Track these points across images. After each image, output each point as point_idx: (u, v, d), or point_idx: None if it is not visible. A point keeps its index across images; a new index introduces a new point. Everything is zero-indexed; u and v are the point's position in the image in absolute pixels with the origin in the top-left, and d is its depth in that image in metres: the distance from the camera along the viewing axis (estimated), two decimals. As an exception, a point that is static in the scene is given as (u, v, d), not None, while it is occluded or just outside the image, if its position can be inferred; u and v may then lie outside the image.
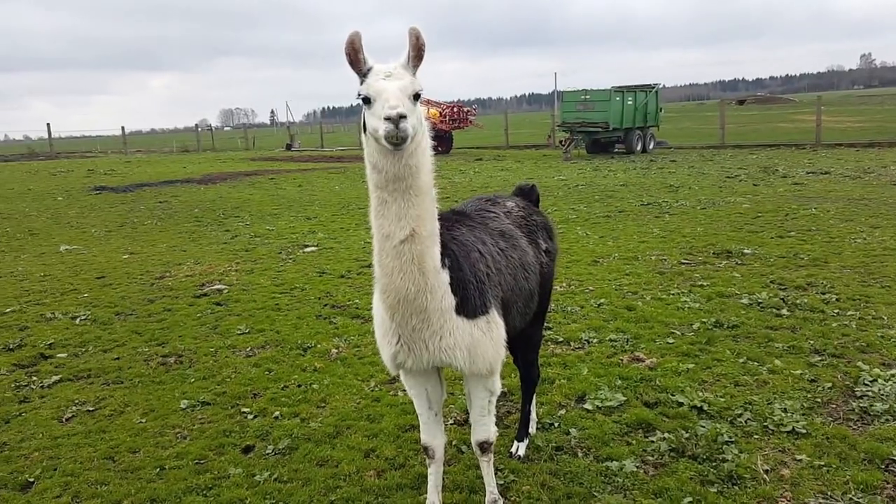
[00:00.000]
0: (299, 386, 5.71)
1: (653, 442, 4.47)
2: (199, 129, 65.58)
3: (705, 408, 4.89)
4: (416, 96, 2.79)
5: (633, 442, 4.52)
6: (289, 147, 47.07)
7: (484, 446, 3.64)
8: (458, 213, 3.81)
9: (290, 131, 55.83)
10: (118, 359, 6.56)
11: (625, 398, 5.09)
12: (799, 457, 4.24)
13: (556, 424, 4.81)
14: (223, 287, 9.01)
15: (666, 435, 4.53)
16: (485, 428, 3.59)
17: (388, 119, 2.61)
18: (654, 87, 31.68)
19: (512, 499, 3.95)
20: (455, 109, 35.99)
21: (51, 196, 21.12)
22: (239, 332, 7.14)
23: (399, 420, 4.96)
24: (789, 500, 3.81)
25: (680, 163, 24.50)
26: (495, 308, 3.32)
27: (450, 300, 3.10)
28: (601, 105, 28.87)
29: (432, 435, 3.63)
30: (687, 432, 4.54)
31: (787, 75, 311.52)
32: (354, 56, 2.77)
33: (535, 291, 3.93)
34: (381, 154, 2.79)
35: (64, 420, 5.29)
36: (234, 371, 6.11)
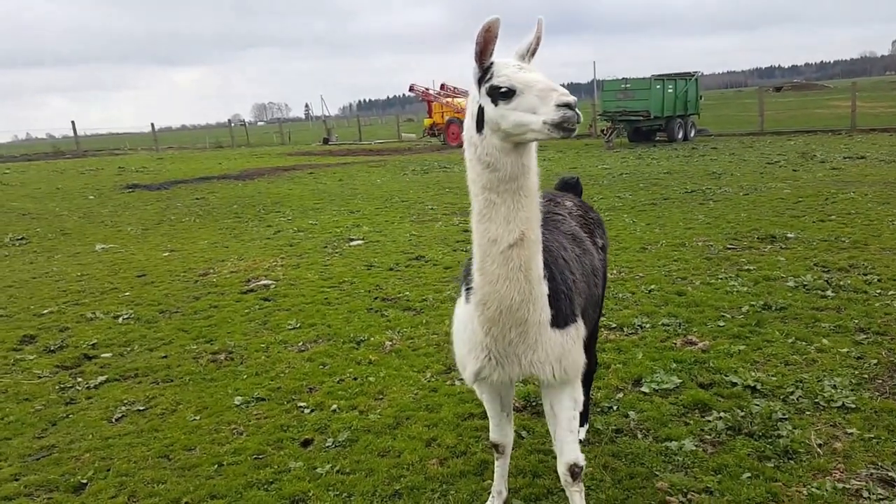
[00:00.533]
0: (355, 379, 5.68)
1: (709, 421, 4.55)
2: (233, 125, 65.73)
3: (758, 387, 4.95)
4: None
5: (691, 422, 4.59)
6: (326, 141, 47.44)
7: (575, 471, 3.26)
8: None
9: (326, 125, 56.21)
10: (166, 357, 6.48)
11: (680, 380, 5.15)
12: (850, 430, 4.34)
13: (615, 408, 4.88)
14: (270, 282, 8.99)
15: (722, 414, 4.60)
16: (573, 447, 3.24)
17: (566, 105, 2.49)
18: (693, 75, 31.38)
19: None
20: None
21: (81, 195, 21.13)
22: (290, 327, 7.11)
23: (458, 409, 4.98)
24: (842, 472, 3.90)
25: (721, 150, 24.25)
26: (580, 316, 3.19)
27: (547, 313, 2.94)
28: (642, 94, 28.63)
29: (503, 434, 3.58)
30: (742, 411, 4.61)
31: (822, 62, 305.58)
32: (486, 46, 2.61)
33: (602, 296, 3.89)
34: (501, 152, 2.66)
35: (114, 420, 5.22)
36: (287, 366, 6.03)
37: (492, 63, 2.65)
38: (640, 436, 4.48)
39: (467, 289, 2.98)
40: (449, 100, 36.67)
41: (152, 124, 54.59)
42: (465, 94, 40.64)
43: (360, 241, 11.67)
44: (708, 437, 4.38)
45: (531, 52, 2.75)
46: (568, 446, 3.23)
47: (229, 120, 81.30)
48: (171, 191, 21.40)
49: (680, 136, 29.90)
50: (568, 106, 2.48)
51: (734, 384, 5.01)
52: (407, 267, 9.60)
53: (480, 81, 2.67)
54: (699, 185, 15.47)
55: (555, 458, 3.37)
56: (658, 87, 28.85)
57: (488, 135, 2.67)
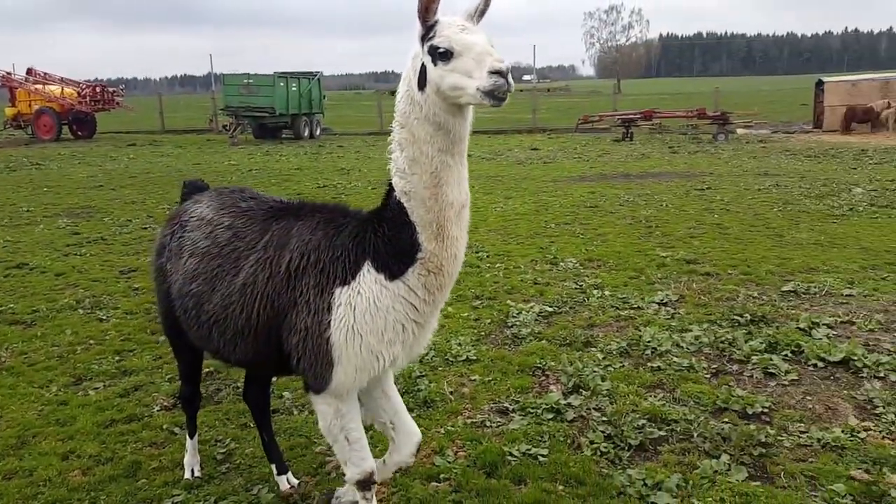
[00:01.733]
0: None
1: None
2: None
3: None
4: None
5: (341, 392, 5.00)
6: None
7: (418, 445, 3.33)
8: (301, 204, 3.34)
9: None
10: None
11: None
12: (473, 378, 5.26)
13: (272, 390, 5.04)
14: None
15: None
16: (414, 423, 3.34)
17: (498, 73, 2.44)
18: (315, 75, 32.58)
19: (236, 461, 4.18)
20: (97, 89, 32.84)
21: None
22: None
23: (96, 418, 4.70)
24: (470, 410, 4.74)
25: (347, 148, 25.75)
26: None
27: None
28: (266, 90, 28.85)
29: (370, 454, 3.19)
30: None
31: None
32: (429, 4, 2.57)
33: None
34: (449, 113, 2.62)
35: None
36: None
37: (436, 21, 2.59)
38: (296, 412, 4.76)
39: (392, 269, 2.82)
40: (39, 87, 32.14)
41: None
42: (58, 80, 34.98)
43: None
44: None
45: (479, 13, 2.69)
46: (412, 423, 3.31)
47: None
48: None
49: (306, 133, 30.85)
50: (500, 73, 2.44)
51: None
52: (7, 277, 8.45)
53: (423, 39, 2.61)
54: (330, 181, 16.34)
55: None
56: (282, 84, 29.40)
57: (431, 94, 2.62)
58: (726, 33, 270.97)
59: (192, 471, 3.94)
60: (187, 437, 3.99)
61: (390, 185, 2.84)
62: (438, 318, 3.11)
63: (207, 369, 5.35)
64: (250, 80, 29.32)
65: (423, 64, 2.62)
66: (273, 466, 3.84)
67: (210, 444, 4.32)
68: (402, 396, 4.67)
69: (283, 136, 31.33)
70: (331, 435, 3.05)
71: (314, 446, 4.27)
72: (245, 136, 30.35)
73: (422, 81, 2.63)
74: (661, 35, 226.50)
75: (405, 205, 2.77)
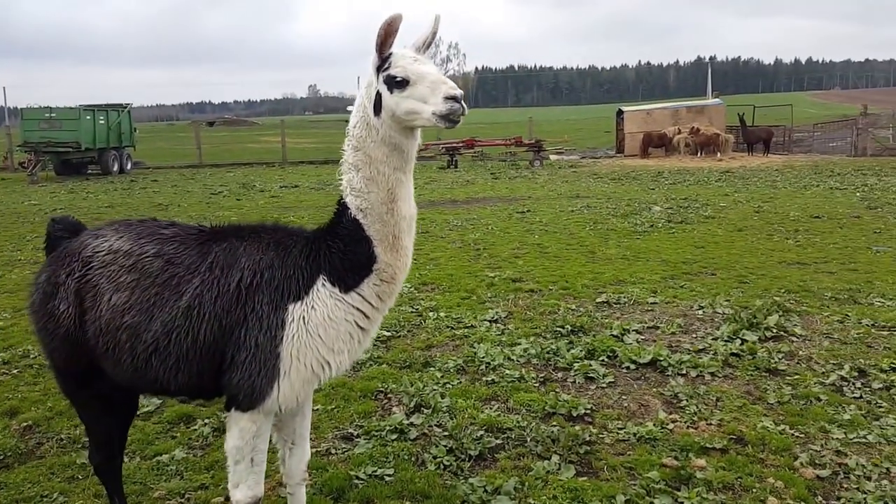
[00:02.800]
0: None
1: (196, 429, 4.87)
2: None
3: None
4: None
5: (178, 434, 4.84)
6: None
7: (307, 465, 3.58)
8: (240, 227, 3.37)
9: None
10: None
11: (160, 401, 5.27)
12: (316, 407, 5.16)
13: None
14: None
15: (207, 420, 4.98)
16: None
17: (453, 98, 2.73)
18: (125, 107, 30.97)
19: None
20: None
21: None
22: None
23: None
24: (315, 440, 4.68)
25: (163, 182, 24.62)
26: None
27: None
28: (70, 124, 27.04)
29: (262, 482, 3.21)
30: (224, 414, 5.03)
31: (250, 100, 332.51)
32: (386, 39, 2.80)
33: None
34: (403, 135, 2.88)
35: None
36: None
37: (391, 53, 2.83)
38: (127, 459, 4.51)
39: (347, 281, 2.99)
40: None
41: None
42: None
43: None
44: (196, 443, 4.70)
45: (426, 45, 2.96)
46: (308, 443, 3.50)
47: None
48: None
49: (115, 168, 29.17)
50: (454, 99, 2.72)
51: (213, 392, 5.43)
52: None
53: (379, 69, 2.84)
54: (148, 216, 15.48)
55: None
56: (88, 117, 27.77)
57: (386, 118, 2.86)
58: (536, 66, 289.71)
59: None
60: None
61: (342, 204, 3.02)
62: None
63: (26, 423, 4.98)
64: (52, 115, 27.34)
65: (378, 92, 2.87)
66: None
67: (37, 501, 4.01)
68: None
69: (90, 171, 29.41)
70: (240, 454, 3.05)
71: (151, 492, 4.10)
72: (46, 174, 28.13)
73: (377, 107, 2.87)
74: (476, 68, 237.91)
75: (361, 221, 2.96)
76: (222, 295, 2.97)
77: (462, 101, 2.76)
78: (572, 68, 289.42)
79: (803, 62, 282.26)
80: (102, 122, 28.62)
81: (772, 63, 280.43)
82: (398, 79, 2.80)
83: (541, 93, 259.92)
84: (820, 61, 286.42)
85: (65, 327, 3.17)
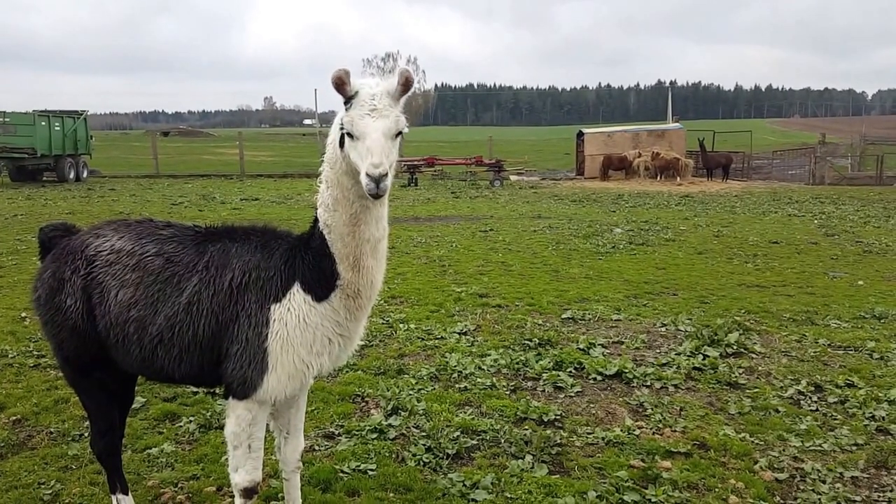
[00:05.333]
0: None
1: (182, 425, 5.03)
2: None
3: (217, 390, 5.49)
4: (399, 133, 2.85)
5: (165, 430, 4.99)
6: None
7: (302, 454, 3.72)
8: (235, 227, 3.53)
9: None
10: None
11: (144, 399, 5.42)
12: None
13: (85, 434, 4.79)
14: None
15: (192, 418, 5.12)
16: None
17: (369, 176, 2.68)
18: (81, 114, 30.48)
19: (65, 501, 4.02)
20: None
21: None
22: None
23: None
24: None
25: (120, 191, 24.33)
26: None
27: None
28: (25, 129, 26.53)
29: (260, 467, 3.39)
30: (208, 411, 5.18)
31: (204, 111, 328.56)
32: (339, 88, 2.78)
33: None
34: None
35: None
36: None
37: (356, 93, 2.81)
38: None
39: (317, 292, 3.11)
40: None
41: None
42: None
43: None
44: (183, 438, 4.86)
45: (402, 88, 2.83)
46: (302, 434, 3.65)
47: None
48: None
49: (72, 176, 28.69)
50: (370, 177, 2.69)
51: (195, 392, 5.53)
52: None
53: (345, 105, 2.83)
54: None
55: None
56: (43, 123, 27.29)
57: (348, 156, 2.86)
58: (495, 85, 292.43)
59: None
60: (118, 496, 3.70)
61: (315, 217, 3.13)
62: (366, 327, 3.46)
63: (15, 417, 5.04)
64: (7, 119, 26.80)
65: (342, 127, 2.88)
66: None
67: (34, 487, 4.10)
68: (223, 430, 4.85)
69: (45, 178, 28.87)
70: (238, 439, 3.22)
71: (145, 481, 4.23)
72: (1, 179, 27.54)
73: (342, 142, 2.90)
74: (436, 85, 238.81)
75: (326, 237, 3.08)
76: (218, 293, 3.17)
77: (381, 183, 2.70)
78: (532, 88, 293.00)
79: (763, 89, 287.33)
80: (58, 128, 28.15)
81: (732, 89, 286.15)
82: (345, 131, 2.83)
83: (500, 112, 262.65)
84: (780, 89, 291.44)
85: (72, 320, 3.34)
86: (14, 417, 5.06)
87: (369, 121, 2.76)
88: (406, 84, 2.84)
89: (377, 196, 2.76)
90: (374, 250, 3.08)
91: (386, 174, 2.70)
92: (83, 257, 3.37)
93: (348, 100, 2.82)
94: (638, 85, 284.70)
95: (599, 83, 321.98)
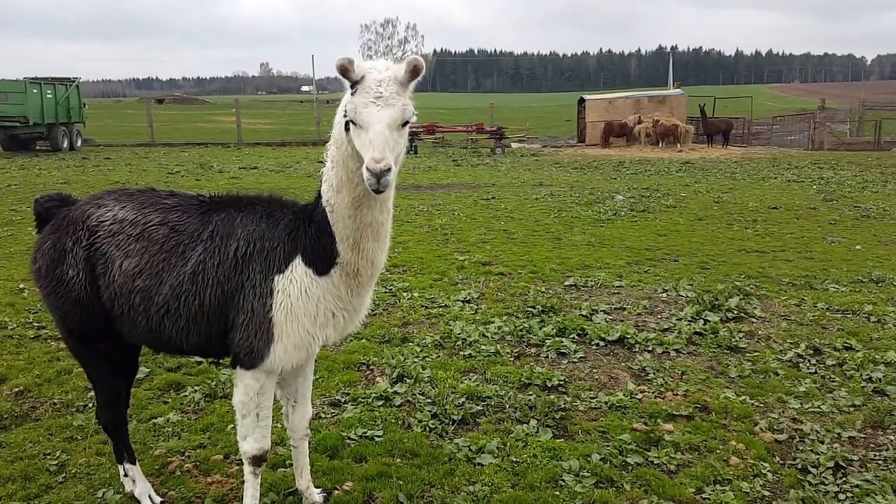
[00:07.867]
0: None
1: (186, 395, 5.04)
2: None
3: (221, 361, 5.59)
4: (405, 122, 2.74)
5: (170, 400, 5.01)
6: None
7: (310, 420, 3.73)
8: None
9: None
10: None
11: (148, 369, 5.43)
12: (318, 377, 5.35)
13: (90, 405, 4.80)
14: None
15: (196, 388, 5.14)
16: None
17: (369, 171, 2.59)
18: (73, 81, 30.04)
19: (72, 471, 4.05)
20: None
21: None
22: None
23: None
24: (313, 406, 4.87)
25: (116, 160, 24.15)
26: None
27: None
28: (17, 97, 26.05)
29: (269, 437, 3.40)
30: (213, 381, 5.20)
31: (199, 77, 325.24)
32: (344, 74, 2.68)
33: None
34: None
35: None
36: None
37: (362, 77, 2.70)
38: (123, 422, 4.66)
39: (318, 266, 3.08)
40: None
41: None
42: None
43: None
44: (189, 408, 4.87)
45: (406, 80, 2.74)
46: (309, 402, 3.66)
47: None
48: None
49: (65, 145, 28.32)
50: (370, 171, 2.59)
51: (200, 363, 5.54)
52: None
53: (351, 89, 2.73)
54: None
55: None
56: (35, 91, 26.81)
57: (351, 141, 2.78)
58: (496, 51, 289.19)
59: (150, 498, 3.72)
60: (125, 466, 3.73)
61: (319, 192, 3.08)
62: (372, 298, 3.44)
63: (18, 388, 5.06)
64: (-2, 87, 26.45)
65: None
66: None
67: (40, 458, 4.12)
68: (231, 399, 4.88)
69: (38, 147, 28.61)
70: (246, 408, 3.23)
71: (152, 450, 4.26)
72: (-8, 148, 27.37)
73: (347, 126, 2.80)
74: (435, 50, 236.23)
75: (328, 216, 3.04)
76: (223, 263, 3.14)
77: (383, 178, 2.60)
78: (533, 54, 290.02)
79: (763, 54, 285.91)
80: (50, 96, 27.66)
81: (732, 55, 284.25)
82: (349, 118, 2.75)
83: (501, 79, 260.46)
84: (780, 54, 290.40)
85: (76, 291, 3.31)
86: (17, 389, 5.07)
87: (373, 109, 2.66)
88: (414, 72, 2.73)
89: (377, 192, 2.68)
90: (377, 233, 3.06)
91: (389, 169, 2.60)
92: (85, 227, 3.33)
93: (354, 84, 2.72)
94: (639, 50, 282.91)
95: (600, 49, 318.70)
